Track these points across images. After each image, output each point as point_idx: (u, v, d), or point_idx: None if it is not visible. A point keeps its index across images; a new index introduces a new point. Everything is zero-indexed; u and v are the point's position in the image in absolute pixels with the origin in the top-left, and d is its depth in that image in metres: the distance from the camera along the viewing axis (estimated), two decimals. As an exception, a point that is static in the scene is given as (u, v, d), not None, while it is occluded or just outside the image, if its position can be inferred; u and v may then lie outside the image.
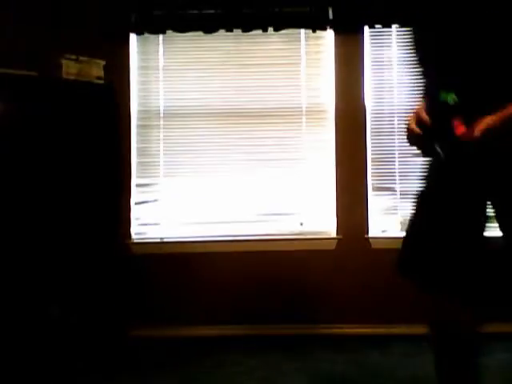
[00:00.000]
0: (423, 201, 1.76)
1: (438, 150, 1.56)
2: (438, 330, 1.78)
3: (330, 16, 3.77)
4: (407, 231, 1.80)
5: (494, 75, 1.60)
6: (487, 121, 1.53)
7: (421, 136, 1.60)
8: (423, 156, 1.71)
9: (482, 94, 1.59)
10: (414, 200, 1.82)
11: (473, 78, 1.62)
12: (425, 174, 1.79)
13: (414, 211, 1.80)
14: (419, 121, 1.60)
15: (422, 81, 1.82)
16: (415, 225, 1.77)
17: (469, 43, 1.63)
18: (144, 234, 3.88)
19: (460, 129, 1.52)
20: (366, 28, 3.80)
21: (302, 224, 3.84)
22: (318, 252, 3.78)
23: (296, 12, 3.75)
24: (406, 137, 1.69)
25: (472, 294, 1.73)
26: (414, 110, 1.65)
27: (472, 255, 1.68)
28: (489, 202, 1.67)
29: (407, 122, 1.65)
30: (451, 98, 1.56)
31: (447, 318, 1.75)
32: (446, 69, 1.68)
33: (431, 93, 1.65)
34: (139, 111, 3.90)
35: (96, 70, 3.53)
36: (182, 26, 3.76)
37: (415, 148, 1.71)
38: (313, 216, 3.85)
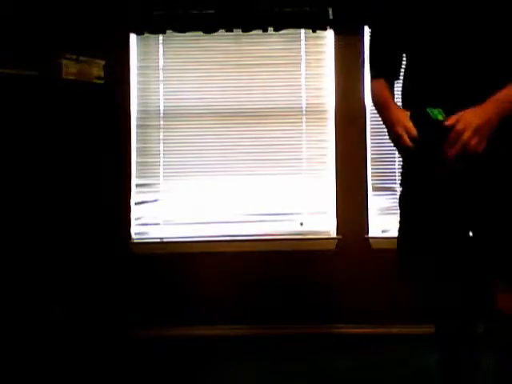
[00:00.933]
0: (416, 202, 1.74)
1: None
2: (439, 329, 1.78)
3: (330, 16, 3.77)
4: (404, 233, 1.78)
5: (487, 88, 1.58)
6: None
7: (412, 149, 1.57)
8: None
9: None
10: (406, 200, 1.79)
11: (465, 90, 1.60)
12: (412, 174, 1.76)
13: (408, 212, 1.77)
14: (409, 135, 1.56)
15: (405, 90, 1.78)
16: (412, 226, 1.75)
17: (463, 54, 1.62)
18: (144, 234, 3.88)
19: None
20: (366, 28, 3.80)
21: (302, 224, 3.84)
22: (318, 252, 3.78)
23: (296, 12, 3.74)
24: (396, 147, 1.64)
25: (471, 292, 1.73)
26: (400, 121, 1.61)
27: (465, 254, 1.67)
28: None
29: (398, 135, 1.57)
30: (439, 114, 1.52)
31: (447, 317, 1.75)
32: (437, 79, 1.65)
33: (418, 106, 1.60)
34: (139, 111, 3.90)
35: (96, 70, 3.53)
36: (182, 26, 3.76)
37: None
38: (313, 216, 3.85)
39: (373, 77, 1.85)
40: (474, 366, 1.76)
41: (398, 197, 1.84)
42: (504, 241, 1.58)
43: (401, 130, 1.56)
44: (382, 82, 1.80)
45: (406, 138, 1.54)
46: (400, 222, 1.80)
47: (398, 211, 1.81)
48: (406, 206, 1.77)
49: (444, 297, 1.73)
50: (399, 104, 1.75)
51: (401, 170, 1.83)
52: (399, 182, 1.85)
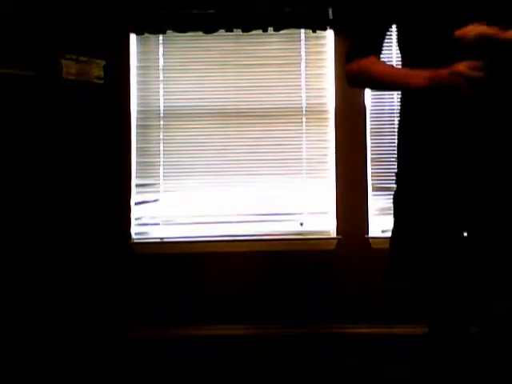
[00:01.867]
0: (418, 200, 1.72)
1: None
2: (433, 329, 1.78)
3: (330, 16, 3.77)
4: (398, 233, 1.76)
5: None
6: None
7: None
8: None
9: None
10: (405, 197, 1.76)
11: None
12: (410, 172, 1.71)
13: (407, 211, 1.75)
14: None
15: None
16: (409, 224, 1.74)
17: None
18: (144, 234, 3.88)
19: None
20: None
21: (302, 224, 3.84)
22: (318, 252, 3.78)
23: (296, 12, 3.75)
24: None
25: (463, 293, 1.72)
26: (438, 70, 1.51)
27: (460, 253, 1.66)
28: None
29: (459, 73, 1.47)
30: None
31: (442, 318, 1.75)
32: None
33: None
34: (139, 111, 3.90)
35: (96, 70, 3.53)
36: (182, 26, 3.77)
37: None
38: (313, 216, 3.85)
39: (359, 55, 1.72)
40: (469, 366, 1.75)
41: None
42: (499, 241, 1.58)
43: (455, 72, 1.47)
44: (376, 59, 1.70)
45: (470, 72, 1.45)
46: (394, 221, 1.78)
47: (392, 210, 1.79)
48: (401, 204, 1.75)
49: (437, 297, 1.72)
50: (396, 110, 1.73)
51: (396, 170, 1.80)
52: (394, 180, 1.82)
